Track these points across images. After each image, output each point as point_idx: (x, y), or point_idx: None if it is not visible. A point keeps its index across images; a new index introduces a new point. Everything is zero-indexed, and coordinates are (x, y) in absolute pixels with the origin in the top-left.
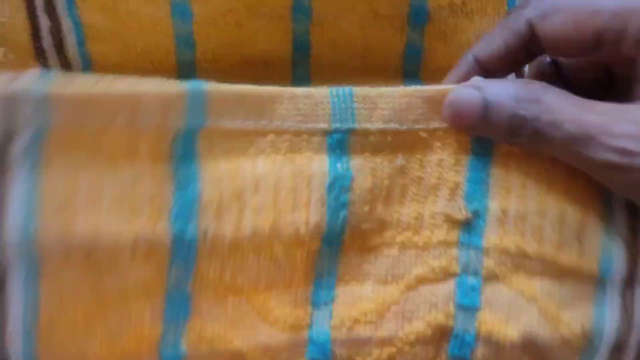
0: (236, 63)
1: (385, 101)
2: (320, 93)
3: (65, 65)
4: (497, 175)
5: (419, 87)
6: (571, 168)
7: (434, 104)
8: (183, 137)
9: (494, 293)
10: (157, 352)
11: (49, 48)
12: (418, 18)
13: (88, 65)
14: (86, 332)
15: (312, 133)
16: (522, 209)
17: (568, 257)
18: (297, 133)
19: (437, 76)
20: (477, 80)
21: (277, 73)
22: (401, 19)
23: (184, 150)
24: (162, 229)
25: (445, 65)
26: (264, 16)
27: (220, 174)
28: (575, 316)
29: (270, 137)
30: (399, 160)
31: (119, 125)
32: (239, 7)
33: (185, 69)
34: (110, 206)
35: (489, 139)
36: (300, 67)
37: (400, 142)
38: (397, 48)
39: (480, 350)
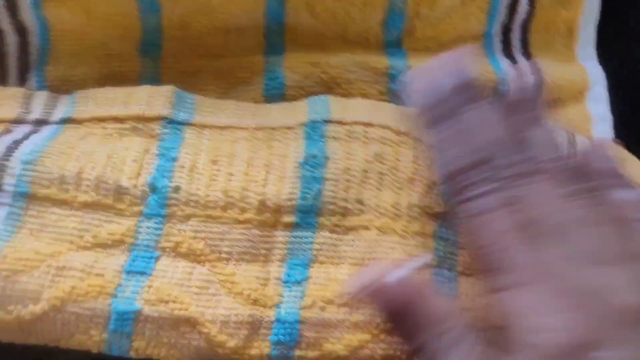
0: (205, 30)
1: (357, 102)
2: (301, 101)
3: (20, 30)
4: None
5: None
6: None
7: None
8: (170, 124)
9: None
10: (110, 303)
11: (1, 10)
12: None
13: (45, 31)
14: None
15: (289, 126)
16: None
17: None
18: (275, 127)
19: (420, 45)
20: None
21: (249, 41)
22: None
23: (170, 132)
24: (139, 183)
25: (429, 33)
26: None
27: (199, 146)
28: None
29: (250, 129)
30: (374, 147)
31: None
32: None
33: (150, 36)
34: (99, 160)
35: None
36: (274, 35)
37: (374, 133)
38: (378, 13)
39: None
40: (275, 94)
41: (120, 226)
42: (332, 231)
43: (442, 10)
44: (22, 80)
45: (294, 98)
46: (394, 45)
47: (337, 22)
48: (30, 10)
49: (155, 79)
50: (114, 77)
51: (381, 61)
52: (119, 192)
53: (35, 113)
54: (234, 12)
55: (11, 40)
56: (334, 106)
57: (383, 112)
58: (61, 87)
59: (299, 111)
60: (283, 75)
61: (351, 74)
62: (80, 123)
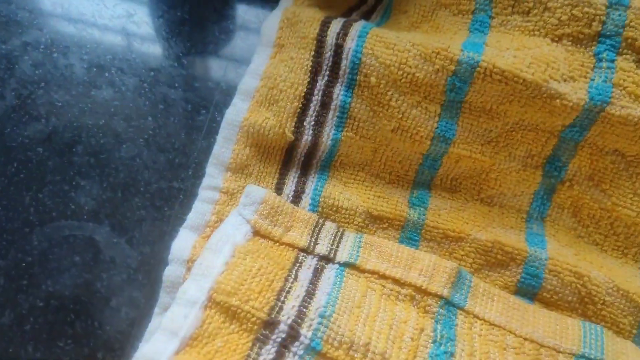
0: (471, 198)
1: (630, 347)
2: (573, 321)
3: (314, 143)
4: None
5: None
6: None
7: None
8: (446, 306)
9: None
10: None
11: (308, 125)
12: None
13: (334, 149)
14: None
15: (559, 350)
16: None
17: None
18: (544, 345)
19: None
20: None
21: (511, 220)
22: None
23: (446, 314)
24: None
25: None
26: (519, 161)
27: (472, 344)
28: None
29: (519, 338)
30: None
31: (400, 275)
32: (501, 142)
33: (419, 187)
34: (382, 331)
35: None
36: (535, 222)
37: None
38: None
39: None
40: (529, 289)
41: None
42: None
43: None
44: (299, 184)
45: (546, 299)
46: None
47: (598, 231)
48: (332, 131)
49: (416, 235)
50: (380, 219)
51: None
52: None
53: (323, 247)
54: (503, 189)
55: (303, 147)
56: (609, 346)
57: None
58: (330, 214)
59: (571, 334)
60: (544, 277)
61: (609, 297)
62: (361, 272)
